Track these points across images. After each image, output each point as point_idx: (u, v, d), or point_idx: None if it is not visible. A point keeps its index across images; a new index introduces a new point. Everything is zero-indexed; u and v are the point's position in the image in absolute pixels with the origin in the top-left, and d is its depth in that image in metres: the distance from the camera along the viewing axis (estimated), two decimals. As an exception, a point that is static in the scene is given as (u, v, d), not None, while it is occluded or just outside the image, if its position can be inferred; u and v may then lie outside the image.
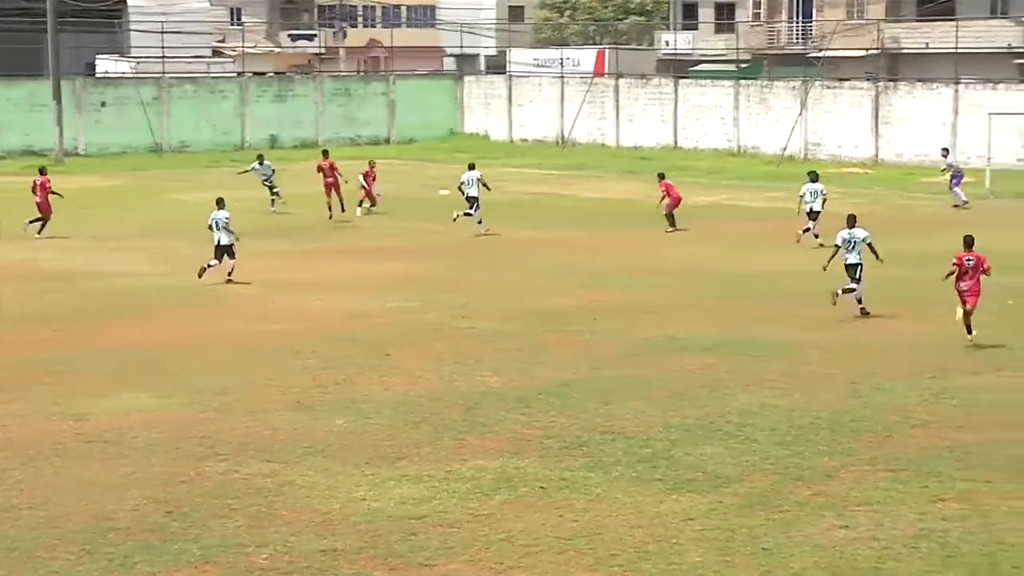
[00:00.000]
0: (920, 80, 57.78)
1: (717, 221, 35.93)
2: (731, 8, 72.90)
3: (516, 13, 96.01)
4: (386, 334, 23.00)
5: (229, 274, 28.17)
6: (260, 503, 14.01)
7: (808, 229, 33.47)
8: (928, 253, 28.10)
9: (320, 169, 39.75)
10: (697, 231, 36.12)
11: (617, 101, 65.19)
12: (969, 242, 22.01)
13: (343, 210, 39.29)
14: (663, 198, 36.36)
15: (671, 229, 35.93)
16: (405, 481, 14.71)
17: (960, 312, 21.75)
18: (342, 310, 25.21)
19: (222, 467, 15.31)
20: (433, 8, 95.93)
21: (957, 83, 55.30)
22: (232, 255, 28.32)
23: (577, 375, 19.85)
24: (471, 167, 37.33)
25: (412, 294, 26.80)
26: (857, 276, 24.42)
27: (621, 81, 65.63)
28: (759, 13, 71.06)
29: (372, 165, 41.18)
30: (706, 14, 74.95)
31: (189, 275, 28.25)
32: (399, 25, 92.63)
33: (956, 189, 42.07)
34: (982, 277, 21.87)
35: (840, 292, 24.28)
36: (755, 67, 67.97)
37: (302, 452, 15.87)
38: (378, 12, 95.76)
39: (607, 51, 71.26)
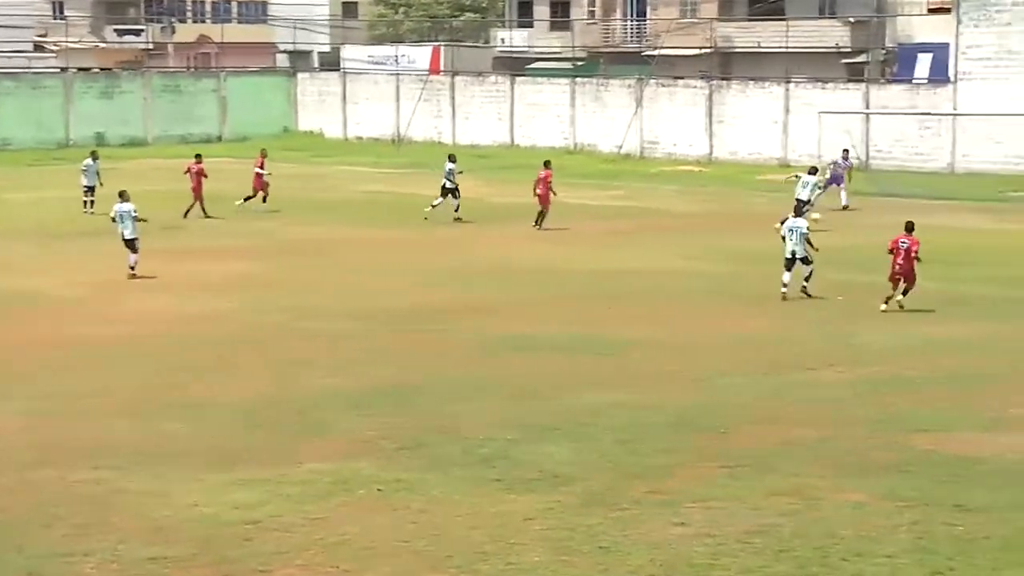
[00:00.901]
0: (752, 79, 58.91)
1: (560, 219, 36.15)
2: (566, 6, 73.44)
3: (350, 9, 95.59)
4: (224, 336, 22.73)
5: (132, 268, 27.74)
6: (88, 511, 13.72)
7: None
8: (766, 251, 28.62)
9: (189, 171, 39.30)
10: (542, 229, 36.30)
11: (453, 99, 65.28)
12: (909, 227, 24.50)
13: (203, 211, 38.72)
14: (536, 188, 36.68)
15: (535, 226, 35.99)
16: (239, 486, 14.54)
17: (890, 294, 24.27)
18: (178, 312, 24.82)
19: (50, 474, 14.97)
20: (265, 4, 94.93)
21: (788, 82, 56.51)
22: (135, 249, 27.87)
23: (419, 375, 19.82)
24: (451, 159, 39.01)
25: (250, 295, 26.52)
26: (794, 266, 25.57)
27: (457, 79, 65.73)
28: (594, 11, 71.70)
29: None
30: (541, 12, 75.39)
31: (19, 276, 27.58)
32: (230, 20, 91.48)
33: (839, 189, 41.50)
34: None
35: (784, 288, 25.50)
36: (591, 65, 68.60)
37: (135, 458, 15.58)
38: (208, 7, 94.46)
39: (443, 48, 71.37)
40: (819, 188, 36.64)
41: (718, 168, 54.56)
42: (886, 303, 24.39)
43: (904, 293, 24.51)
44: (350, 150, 62.68)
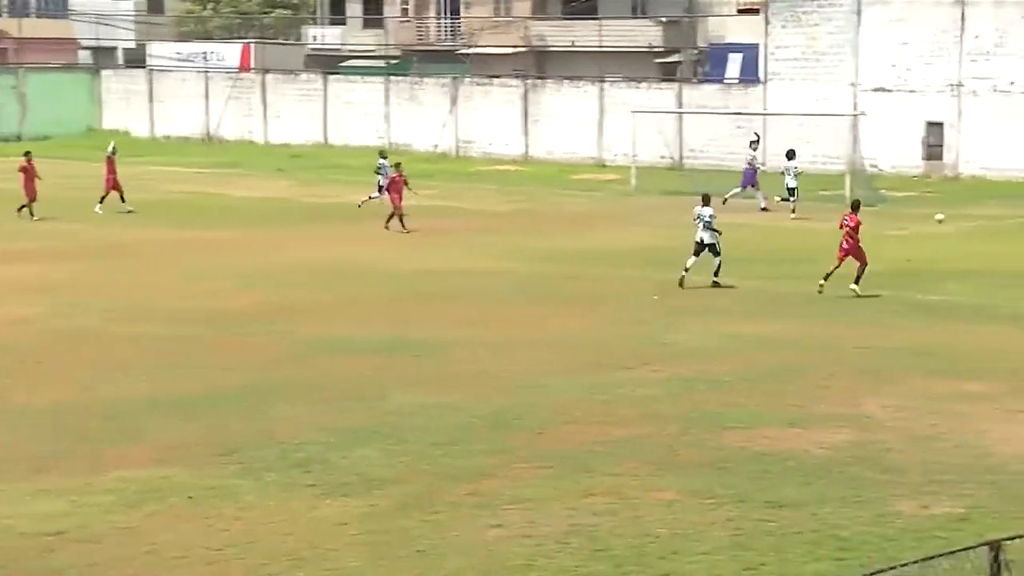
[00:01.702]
0: (567, 78, 59.51)
1: (379, 219, 36.04)
2: (379, 3, 73.19)
3: (156, 5, 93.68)
4: (34, 341, 22.17)
5: None
6: None
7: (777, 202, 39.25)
8: (585, 250, 28.95)
9: (23, 170, 38.63)
10: (359, 229, 36.18)
11: (264, 97, 64.67)
12: (854, 205, 26.91)
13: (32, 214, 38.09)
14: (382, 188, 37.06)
15: (401, 229, 35.82)
16: (43, 496, 14.20)
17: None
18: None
19: None
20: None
21: (602, 81, 57.19)
22: None
23: (233, 379, 19.59)
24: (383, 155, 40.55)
25: (61, 298, 25.90)
26: (704, 252, 26.72)
27: (268, 76, 65.14)
28: (407, 9, 71.60)
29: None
30: (354, 9, 75.01)
31: None
32: (28, 15, 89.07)
33: (757, 191, 41.44)
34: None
35: (684, 272, 26.63)
36: (405, 63, 68.55)
37: (-71, 469, 15.12)
38: (3, 0, 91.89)
39: (253, 46, 70.58)
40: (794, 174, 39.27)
41: (535, 167, 54.99)
42: (825, 279, 25.81)
43: (857, 280, 25.74)
44: (158, 149, 61.67)
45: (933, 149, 51.86)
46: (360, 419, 17.33)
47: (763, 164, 44.74)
